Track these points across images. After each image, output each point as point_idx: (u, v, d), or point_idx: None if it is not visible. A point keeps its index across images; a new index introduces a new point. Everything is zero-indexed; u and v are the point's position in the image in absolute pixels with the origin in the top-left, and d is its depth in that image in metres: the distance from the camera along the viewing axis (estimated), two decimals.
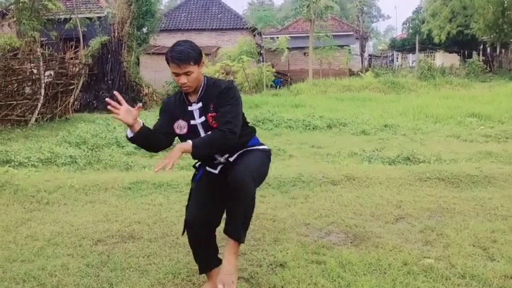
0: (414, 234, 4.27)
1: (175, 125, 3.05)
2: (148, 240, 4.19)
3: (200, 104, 3.00)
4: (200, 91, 3.01)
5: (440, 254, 3.76)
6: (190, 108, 3.02)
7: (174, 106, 3.09)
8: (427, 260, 3.62)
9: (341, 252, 3.80)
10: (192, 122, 3.01)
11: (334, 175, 6.16)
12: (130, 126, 2.91)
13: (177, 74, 2.89)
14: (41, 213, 5.10)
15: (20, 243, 4.18)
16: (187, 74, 2.88)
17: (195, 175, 3.25)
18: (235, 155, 3.06)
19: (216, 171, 3.10)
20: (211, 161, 3.09)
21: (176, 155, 2.74)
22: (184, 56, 2.84)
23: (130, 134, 2.96)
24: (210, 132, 2.91)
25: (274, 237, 4.21)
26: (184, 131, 3.04)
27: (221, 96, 2.93)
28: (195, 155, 2.85)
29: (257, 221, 4.59)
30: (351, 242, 4.10)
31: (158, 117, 3.19)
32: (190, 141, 2.81)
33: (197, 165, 3.25)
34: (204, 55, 3.03)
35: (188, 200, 3.20)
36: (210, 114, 2.96)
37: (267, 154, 3.19)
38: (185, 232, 3.14)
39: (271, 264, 3.64)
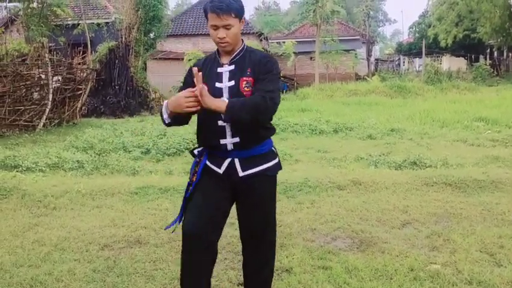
0: (421, 239, 4.26)
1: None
2: (155, 246, 4.20)
3: (232, 67, 2.68)
4: (236, 53, 2.70)
5: (447, 260, 3.74)
6: (219, 69, 2.70)
7: (203, 66, 2.76)
8: (434, 266, 3.61)
9: (347, 258, 3.80)
10: (218, 84, 2.66)
11: (340, 180, 6.15)
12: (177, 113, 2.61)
13: (216, 27, 2.60)
14: (48, 218, 5.12)
15: (27, 248, 4.21)
16: (226, 27, 2.58)
17: (194, 166, 2.81)
18: (246, 172, 2.71)
19: (220, 171, 2.72)
20: (218, 144, 2.69)
21: (208, 104, 2.47)
22: (225, 5, 2.55)
23: (168, 120, 2.68)
24: (251, 97, 2.57)
25: (280, 243, 4.20)
26: None
27: (262, 65, 2.64)
28: (226, 118, 2.51)
29: None
30: (357, 248, 4.09)
31: (183, 81, 2.86)
32: (225, 99, 2.55)
33: (196, 151, 2.86)
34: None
35: (184, 201, 2.80)
36: (245, 78, 2.63)
37: (276, 180, 2.91)
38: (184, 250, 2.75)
39: (277, 270, 3.63)
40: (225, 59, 2.72)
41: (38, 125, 13.15)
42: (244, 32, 30.91)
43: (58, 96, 14.08)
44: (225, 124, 2.62)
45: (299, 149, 9.70)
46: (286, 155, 8.68)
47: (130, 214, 5.20)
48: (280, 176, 6.27)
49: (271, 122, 2.84)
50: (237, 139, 2.66)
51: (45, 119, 13.47)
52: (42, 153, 8.60)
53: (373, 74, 33.98)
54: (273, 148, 2.86)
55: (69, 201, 5.69)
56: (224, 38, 2.60)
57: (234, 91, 2.62)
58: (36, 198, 5.74)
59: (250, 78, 2.62)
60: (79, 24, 20.66)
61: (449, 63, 38.42)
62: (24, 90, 13.31)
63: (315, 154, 9.03)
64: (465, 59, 39.57)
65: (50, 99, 13.57)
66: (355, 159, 8.24)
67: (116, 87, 19.43)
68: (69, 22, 20.73)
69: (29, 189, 5.96)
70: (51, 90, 13.63)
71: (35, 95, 13.76)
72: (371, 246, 4.08)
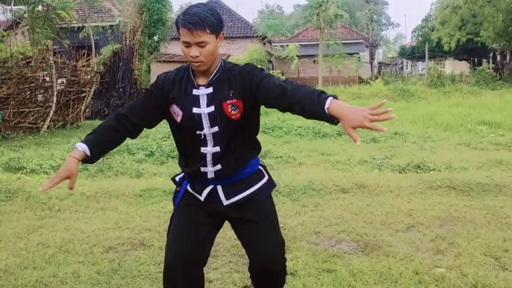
0: (426, 243, 4.25)
1: (171, 110, 2.41)
2: (159, 248, 4.20)
3: (210, 89, 2.35)
4: (213, 73, 2.36)
5: (452, 263, 3.73)
6: (195, 91, 2.36)
7: (173, 85, 2.40)
8: (438, 270, 3.60)
9: (352, 261, 3.80)
10: (196, 110, 2.34)
11: (344, 183, 6.15)
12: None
13: (188, 45, 2.25)
14: (52, 220, 5.13)
15: (32, 250, 4.22)
16: (200, 44, 2.23)
17: (175, 195, 2.60)
18: (231, 199, 2.45)
19: (201, 198, 2.46)
20: (198, 171, 2.43)
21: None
22: (199, 19, 2.20)
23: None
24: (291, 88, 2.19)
25: None
26: (178, 119, 2.40)
27: (246, 77, 2.31)
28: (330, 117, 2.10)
29: None
30: (362, 251, 4.09)
31: (140, 96, 2.50)
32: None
33: (178, 178, 2.63)
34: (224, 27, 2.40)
35: (168, 232, 2.54)
36: (228, 102, 2.32)
37: (270, 194, 2.60)
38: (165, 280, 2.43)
39: None
40: (201, 80, 2.38)
41: (42, 127, 13.19)
42: (248, 35, 31.02)
43: (62, 98, 14.13)
44: (206, 151, 2.38)
45: (303, 151, 9.71)
46: (290, 158, 8.68)
47: (134, 216, 5.21)
48: (284, 179, 6.33)
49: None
50: (218, 166, 2.40)
51: (50, 121, 13.51)
52: (47, 155, 8.63)
53: (376, 78, 33.96)
54: (259, 167, 2.57)
55: (73, 204, 5.70)
56: (197, 56, 2.25)
57: (216, 117, 2.33)
58: (41, 200, 5.75)
59: (235, 100, 2.32)
60: (83, 27, 20.74)
61: (452, 66, 38.39)
62: (28, 92, 13.36)
63: (318, 157, 9.03)
64: (468, 62, 39.53)
65: (55, 102, 13.61)
66: (359, 162, 8.24)
67: (120, 90, 19.47)
68: (74, 25, 20.84)
69: (33, 191, 5.97)
70: (55, 93, 13.67)
71: (40, 97, 13.81)
72: (375, 250, 4.08)
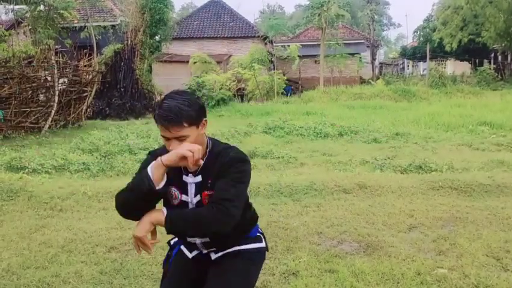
0: (427, 243, 4.25)
1: (169, 192, 2.23)
2: (161, 248, 4.20)
3: (199, 178, 2.20)
4: (203, 161, 2.19)
5: (454, 264, 3.74)
6: (185, 178, 2.22)
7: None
8: (440, 270, 3.60)
9: (354, 262, 3.80)
10: (184, 197, 2.23)
11: (346, 183, 6.15)
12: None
13: (167, 138, 2.10)
14: (54, 220, 5.14)
15: (34, 250, 4.23)
16: (179, 138, 2.08)
17: (167, 256, 2.47)
18: (219, 253, 2.32)
19: (190, 256, 2.37)
20: (185, 240, 2.34)
21: (144, 229, 2.11)
22: (174, 115, 2.04)
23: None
24: (198, 208, 2.18)
25: (286, 246, 4.21)
26: (175, 202, 2.25)
27: (224, 168, 2.14)
28: (169, 231, 2.16)
29: (269, 230, 4.60)
30: (363, 251, 4.10)
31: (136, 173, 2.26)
32: (164, 210, 2.15)
33: (172, 242, 2.48)
34: (207, 110, 2.23)
35: None
36: (206, 192, 2.18)
37: (258, 261, 2.39)
38: None
39: (283, 273, 3.64)
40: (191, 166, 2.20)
41: (43, 126, 13.19)
42: (249, 35, 30.99)
43: (64, 98, 14.13)
44: None
45: (304, 152, 9.70)
46: (292, 158, 8.68)
47: None
48: (286, 179, 6.34)
49: (251, 207, 2.40)
50: (206, 239, 2.26)
51: (51, 121, 13.51)
52: (48, 155, 8.64)
53: (377, 78, 33.92)
54: (258, 234, 2.41)
55: (75, 203, 5.71)
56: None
57: (200, 206, 2.20)
58: (43, 200, 5.77)
59: (211, 192, 2.15)
60: (85, 26, 20.76)
61: (453, 67, 38.32)
62: (30, 92, 13.36)
63: (320, 157, 9.02)
64: (469, 63, 39.48)
65: (56, 101, 13.61)
66: (360, 162, 8.23)
67: (122, 90, 19.48)
68: (75, 25, 20.87)
69: (35, 191, 5.99)
70: (57, 92, 13.67)
71: (41, 97, 13.82)
72: (377, 250, 4.08)
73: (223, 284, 2.23)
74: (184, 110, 2.05)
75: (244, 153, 2.26)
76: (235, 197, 2.11)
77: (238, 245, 2.31)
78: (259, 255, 2.37)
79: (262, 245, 2.39)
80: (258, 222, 2.46)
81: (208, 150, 2.22)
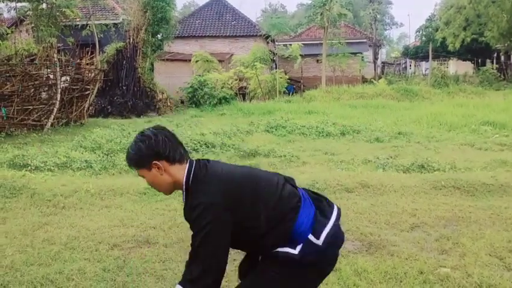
0: (430, 242, 4.25)
1: None
2: (164, 246, 4.22)
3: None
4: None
5: (456, 263, 3.74)
6: None
7: None
8: (443, 269, 3.60)
9: (356, 260, 3.80)
10: None
11: (348, 182, 6.15)
12: None
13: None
14: (57, 218, 5.15)
15: (37, 247, 4.24)
16: (143, 177, 2.29)
17: None
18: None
19: None
20: None
21: None
22: (128, 160, 2.27)
23: None
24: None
25: None
26: None
27: (187, 216, 2.25)
28: None
29: None
30: (366, 250, 4.10)
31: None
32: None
33: None
34: (159, 155, 2.21)
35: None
36: None
37: (283, 266, 2.22)
38: None
39: None
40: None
41: (46, 124, 13.20)
42: (251, 34, 30.98)
43: (66, 96, 14.14)
44: None
45: (306, 151, 9.70)
46: (294, 157, 8.68)
47: (139, 214, 5.22)
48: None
49: (287, 215, 2.30)
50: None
51: (53, 119, 13.53)
52: (51, 152, 8.65)
53: (380, 77, 33.91)
54: (296, 238, 2.26)
55: (78, 201, 5.72)
56: (150, 187, 2.37)
57: None
58: (46, 197, 5.78)
59: None
60: (87, 25, 20.75)
61: (456, 67, 38.26)
62: (32, 89, 13.37)
63: (322, 156, 9.02)
64: (472, 63, 39.44)
65: (58, 99, 13.62)
66: (363, 161, 8.22)
67: (124, 88, 19.49)
68: (77, 23, 20.85)
69: (38, 189, 6.00)
70: (59, 90, 13.68)
71: (44, 95, 13.82)
72: (380, 249, 4.08)
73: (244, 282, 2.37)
74: (130, 154, 2.24)
75: (205, 192, 2.18)
76: (199, 273, 2.08)
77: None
78: (287, 260, 2.19)
79: (294, 251, 2.19)
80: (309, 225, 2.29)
81: (186, 187, 2.25)
